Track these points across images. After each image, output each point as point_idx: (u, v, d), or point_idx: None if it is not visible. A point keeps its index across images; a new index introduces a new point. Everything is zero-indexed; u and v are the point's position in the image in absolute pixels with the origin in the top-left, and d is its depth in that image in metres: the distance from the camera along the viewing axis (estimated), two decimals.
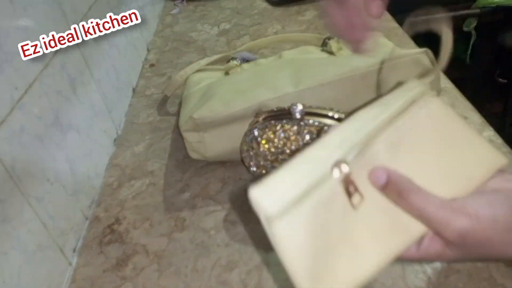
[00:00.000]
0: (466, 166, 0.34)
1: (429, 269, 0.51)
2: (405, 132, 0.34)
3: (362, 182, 0.32)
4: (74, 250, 0.62)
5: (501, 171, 0.34)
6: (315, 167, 0.32)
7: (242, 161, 0.65)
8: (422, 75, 0.37)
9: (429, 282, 0.50)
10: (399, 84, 0.37)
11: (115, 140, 0.84)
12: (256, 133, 0.60)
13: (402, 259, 0.33)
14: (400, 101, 0.35)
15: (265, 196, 0.31)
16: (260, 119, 0.61)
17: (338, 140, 0.33)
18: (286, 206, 0.31)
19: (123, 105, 0.92)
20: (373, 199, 0.33)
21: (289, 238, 0.31)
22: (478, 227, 0.30)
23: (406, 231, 0.33)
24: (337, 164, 0.32)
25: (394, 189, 0.31)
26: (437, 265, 0.52)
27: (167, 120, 0.87)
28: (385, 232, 0.32)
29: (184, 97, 0.77)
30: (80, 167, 0.68)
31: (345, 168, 0.31)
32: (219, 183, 0.69)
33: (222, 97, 0.67)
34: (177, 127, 0.82)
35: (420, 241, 0.33)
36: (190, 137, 0.69)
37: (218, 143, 0.68)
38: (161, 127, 0.85)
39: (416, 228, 0.32)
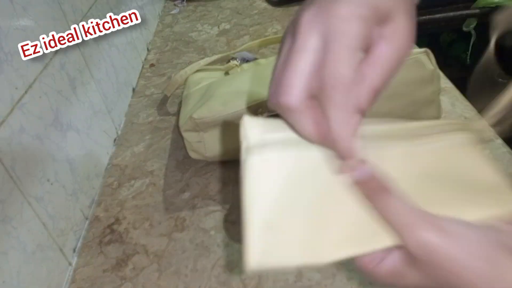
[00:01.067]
0: (483, 196, 0.31)
1: None
2: (427, 151, 0.31)
3: None
4: (74, 250, 0.62)
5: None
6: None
7: None
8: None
9: None
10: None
11: (115, 140, 0.84)
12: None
13: (357, 265, 0.30)
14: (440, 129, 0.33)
15: (256, 127, 0.30)
16: None
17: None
18: (271, 144, 0.29)
19: (123, 105, 0.92)
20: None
21: (259, 175, 0.29)
22: (447, 245, 0.26)
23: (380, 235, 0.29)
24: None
25: (370, 185, 0.28)
26: None
27: (167, 120, 0.87)
28: (357, 227, 0.29)
29: (184, 97, 0.77)
30: (80, 167, 0.68)
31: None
32: (219, 183, 0.69)
33: (222, 97, 0.67)
34: (177, 127, 0.82)
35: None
36: (190, 137, 0.69)
37: (218, 143, 0.68)
38: (161, 127, 0.85)
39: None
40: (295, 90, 0.27)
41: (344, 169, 0.28)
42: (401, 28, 0.28)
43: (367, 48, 0.28)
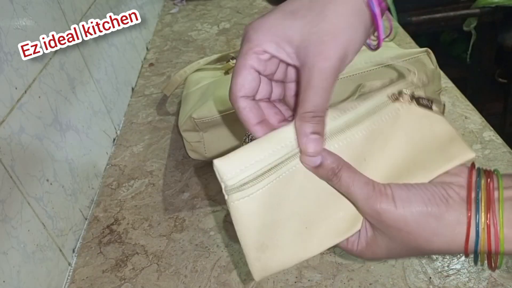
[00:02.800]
0: (433, 158, 0.36)
1: (429, 269, 0.51)
2: (383, 124, 0.36)
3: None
4: (73, 250, 0.62)
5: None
6: (282, 145, 0.34)
7: None
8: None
9: (430, 282, 0.50)
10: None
11: (114, 140, 0.84)
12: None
13: (344, 250, 0.37)
14: (379, 98, 0.36)
15: (228, 168, 0.34)
16: None
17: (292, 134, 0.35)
18: (246, 179, 0.33)
19: (122, 104, 0.92)
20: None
21: (244, 210, 0.34)
22: (393, 208, 0.31)
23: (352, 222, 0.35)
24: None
25: (326, 168, 0.33)
26: (437, 264, 0.52)
27: (167, 119, 0.87)
28: (336, 220, 0.35)
29: (184, 96, 0.77)
30: (79, 167, 0.68)
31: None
32: (218, 183, 0.69)
33: (221, 97, 0.67)
34: (176, 127, 0.82)
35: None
36: (190, 137, 0.68)
37: (218, 143, 0.68)
38: (160, 127, 0.85)
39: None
40: (241, 93, 0.34)
41: (303, 161, 0.33)
42: (309, 54, 0.32)
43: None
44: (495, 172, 0.33)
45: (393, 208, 0.31)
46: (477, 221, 0.31)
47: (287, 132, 0.34)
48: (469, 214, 0.31)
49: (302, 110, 0.32)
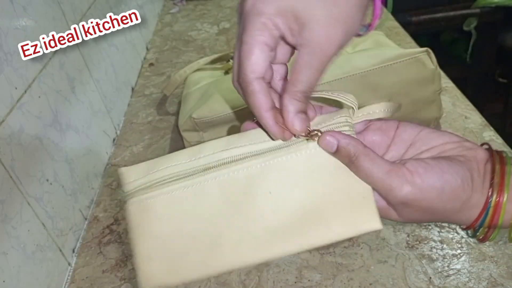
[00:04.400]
0: (338, 216, 0.34)
1: (429, 269, 0.51)
2: (293, 161, 0.35)
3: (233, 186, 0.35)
4: (73, 250, 0.62)
5: (460, 139, 0.35)
6: (196, 157, 0.36)
7: None
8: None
9: (429, 282, 0.50)
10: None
11: (114, 140, 0.84)
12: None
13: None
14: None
15: (133, 174, 0.36)
16: None
17: (208, 150, 0.36)
18: (143, 187, 0.35)
19: (122, 104, 0.92)
20: (256, 204, 0.34)
21: (136, 217, 0.35)
22: (420, 197, 0.31)
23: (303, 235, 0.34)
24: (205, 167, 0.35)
25: (344, 153, 0.32)
26: (437, 264, 0.52)
27: (166, 119, 0.87)
28: (248, 237, 0.34)
29: (184, 96, 0.77)
30: (79, 167, 0.68)
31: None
32: None
33: (221, 97, 0.67)
34: (176, 126, 0.82)
35: None
36: (190, 137, 0.68)
37: None
38: (160, 126, 0.85)
39: (314, 239, 0.34)
40: (254, 74, 0.32)
41: (322, 142, 0.33)
42: (315, 35, 0.31)
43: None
44: (504, 154, 0.33)
45: (421, 196, 0.31)
46: (491, 201, 0.32)
47: (208, 144, 0.35)
48: (487, 197, 0.32)
49: (295, 88, 0.32)
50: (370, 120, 0.37)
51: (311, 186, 0.34)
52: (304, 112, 0.33)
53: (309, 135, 0.34)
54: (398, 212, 0.34)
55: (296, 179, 0.34)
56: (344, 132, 0.34)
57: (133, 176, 0.36)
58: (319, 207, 0.34)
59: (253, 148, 0.35)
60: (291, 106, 0.32)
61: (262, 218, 0.34)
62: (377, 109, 0.36)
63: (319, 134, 0.34)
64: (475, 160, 0.33)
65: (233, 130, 0.67)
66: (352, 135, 0.34)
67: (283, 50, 0.34)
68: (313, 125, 0.34)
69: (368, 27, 0.36)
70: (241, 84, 0.33)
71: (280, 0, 0.31)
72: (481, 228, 0.33)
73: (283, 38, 0.33)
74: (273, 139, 0.35)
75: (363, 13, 0.32)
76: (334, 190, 0.34)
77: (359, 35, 0.35)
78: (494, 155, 0.33)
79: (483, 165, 0.33)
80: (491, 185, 0.32)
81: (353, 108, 0.35)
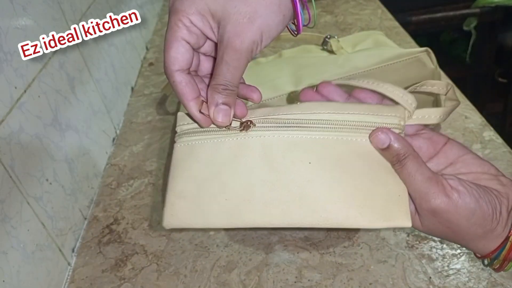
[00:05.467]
0: (372, 204, 0.35)
1: (429, 269, 0.51)
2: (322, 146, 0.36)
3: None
4: (73, 250, 0.62)
5: (498, 172, 0.36)
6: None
7: None
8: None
9: (429, 282, 0.50)
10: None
11: (114, 139, 0.84)
12: None
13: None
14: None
15: (185, 119, 0.39)
16: None
17: (259, 113, 0.38)
18: (195, 131, 0.38)
19: (122, 104, 0.92)
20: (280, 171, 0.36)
21: (182, 156, 0.38)
22: (453, 210, 0.32)
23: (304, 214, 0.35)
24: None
25: (394, 151, 0.34)
26: (437, 264, 0.52)
27: (166, 119, 0.87)
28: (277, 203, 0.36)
29: None
30: (79, 166, 0.67)
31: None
32: None
33: None
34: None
35: None
36: None
37: None
38: (160, 126, 0.85)
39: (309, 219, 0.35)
40: (175, 66, 0.35)
41: (373, 138, 0.35)
42: (226, 31, 0.33)
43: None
44: None
45: (453, 210, 0.32)
46: (509, 237, 0.33)
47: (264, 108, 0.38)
48: (509, 234, 0.33)
49: (214, 82, 0.34)
50: (424, 126, 0.38)
51: (351, 170, 0.35)
52: (228, 104, 0.35)
53: (242, 125, 0.37)
54: (422, 220, 0.35)
55: (338, 159, 0.36)
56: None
57: (188, 119, 0.39)
58: (354, 192, 0.35)
59: (303, 117, 0.37)
60: (211, 99, 0.35)
61: (296, 184, 0.35)
62: (433, 114, 0.38)
63: (252, 125, 0.37)
64: (506, 196, 0.34)
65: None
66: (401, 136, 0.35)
67: (211, 47, 0.37)
68: (367, 114, 0.36)
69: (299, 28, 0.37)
70: (166, 75, 0.36)
71: (198, 1, 0.33)
72: (496, 260, 0.35)
73: (205, 35, 0.35)
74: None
75: (282, 13, 0.34)
76: (371, 181, 0.35)
77: (295, 33, 0.38)
78: None
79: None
80: None
81: (409, 111, 0.37)
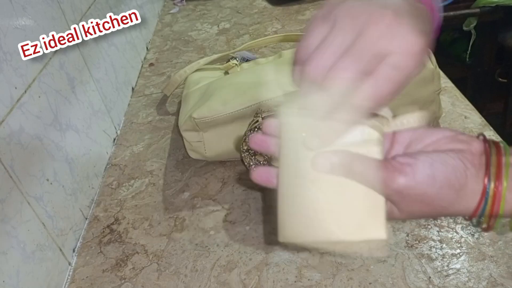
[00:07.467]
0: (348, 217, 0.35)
1: (429, 269, 0.51)
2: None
3: None
4: (73, 250, 0.62)
5: (454, 133, 0.36)
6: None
7: (242, 160, 0.65)
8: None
9: (429, 282, 0.50)
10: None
11: (114, 139, 0.84)
12: (255, 132, 0.60)
13: None
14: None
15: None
16: (260, 118, 0.61)
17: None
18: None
19: (122, 104, 0.92)
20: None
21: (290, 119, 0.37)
22: (413, 184, 0.32)
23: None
24: None
25: (339, 168, 0.34)
26: (437, 264, 0.52)
27: (167, 119, 0.87)
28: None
29: (184, 96, 0.77)
30: (79, 166, 0.68)
31: None
32: (218, 183, 0.69)
33: (221, 96, 0.67)
34: (176, 126, 0.82)
35: None
36: (190, 137, 0.68)
37: (218, 143, 0.68)
38: (160, 126, 0.85)
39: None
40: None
41: (317, 168, 0.34)
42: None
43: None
44: (502, 144, 0.34)
45: (413, 183, 0.32)
46: (488, 190, 0.33)
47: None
48: (484, 185, 0.33)
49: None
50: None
51: (336, 183, 0.35)
52: None
53: None
54: (398, 207, 0.34)
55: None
56: (374, 150, 0.35)
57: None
58: (334, 207, 0.35)
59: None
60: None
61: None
62: (412, 119, 0.37)
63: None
64: (468, 151, 0.34)
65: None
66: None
67: None
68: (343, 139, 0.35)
69: None
70: None
71: None
72: (483, 217, 0.34)
73: None
74: None
75: None
76: (351, 194, 0.35)
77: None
78: (489, 146, 0.34)
79: (479, 156, 0.34)
80: (487, 174, 0.33)
81: (387, 119, 0.36)
